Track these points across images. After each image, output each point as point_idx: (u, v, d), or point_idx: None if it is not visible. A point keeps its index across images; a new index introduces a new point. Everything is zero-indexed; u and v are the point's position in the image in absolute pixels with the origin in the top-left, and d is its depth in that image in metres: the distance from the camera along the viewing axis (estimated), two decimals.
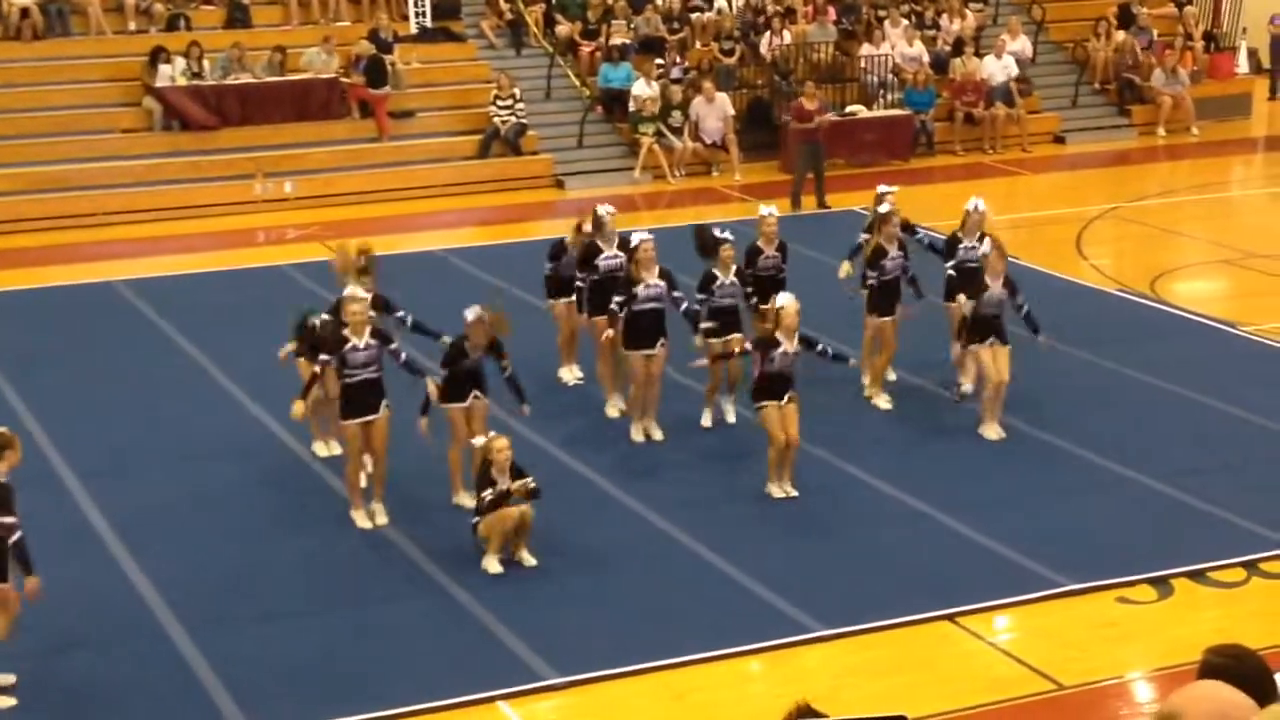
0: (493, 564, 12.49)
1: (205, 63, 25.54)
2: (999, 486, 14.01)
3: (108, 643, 11.56)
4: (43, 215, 23.38)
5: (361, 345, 13.13)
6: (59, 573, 12.55)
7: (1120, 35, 30.30)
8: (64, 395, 15.93)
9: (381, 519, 13.39)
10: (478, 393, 13.60)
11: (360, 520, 13.36)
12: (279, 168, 24.87)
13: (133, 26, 26.90)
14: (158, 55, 25.36)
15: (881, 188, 16.83)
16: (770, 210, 16.19)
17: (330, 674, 11.07)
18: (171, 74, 25.29)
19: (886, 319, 15.68)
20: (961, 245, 16.17)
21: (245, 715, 10.54)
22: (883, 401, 15.80)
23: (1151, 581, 12.33)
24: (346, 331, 13.15)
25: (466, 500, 13.29)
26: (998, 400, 15.02)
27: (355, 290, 13.51)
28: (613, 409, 15.68)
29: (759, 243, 16.01)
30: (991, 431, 15.00)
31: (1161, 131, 29.23)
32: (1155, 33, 30.76)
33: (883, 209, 16.00)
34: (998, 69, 28.53)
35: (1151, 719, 3.80)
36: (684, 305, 14.90)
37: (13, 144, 24.50)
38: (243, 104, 25.61)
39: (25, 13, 25.99)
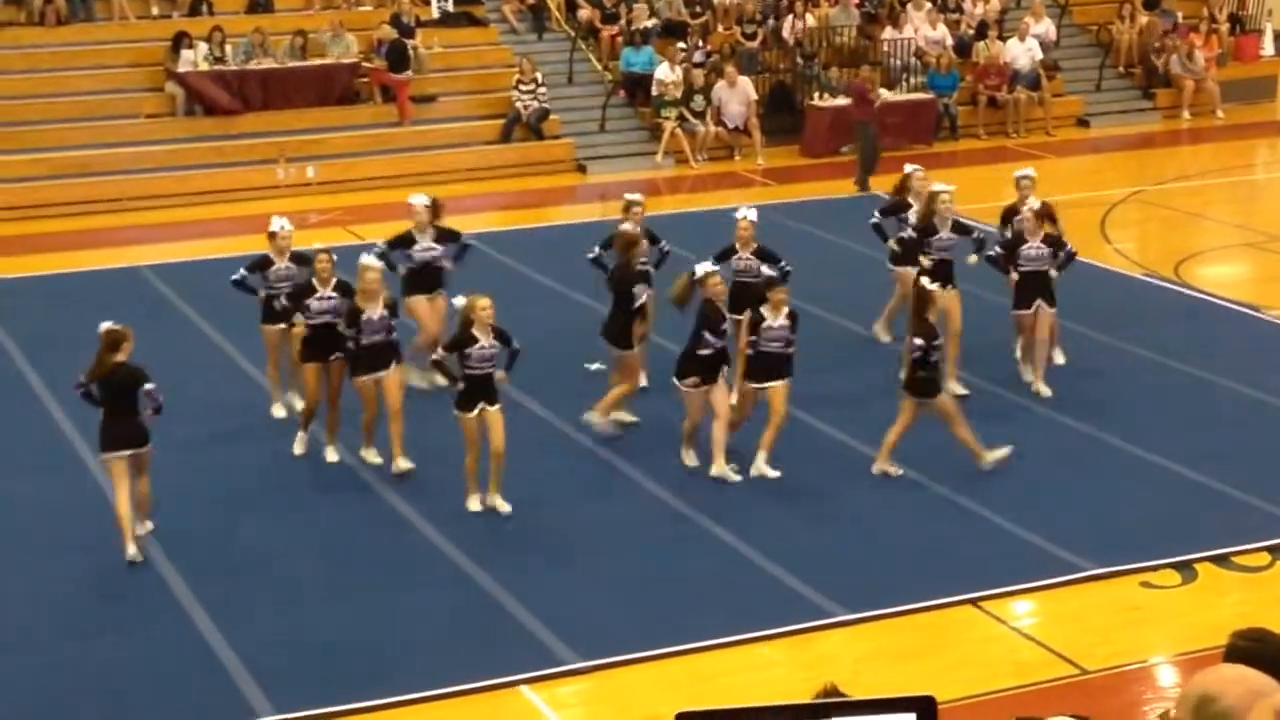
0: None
1: (228, 47, 25.57)
2: (1021, 471, 13.95)
3: (131, 626, 11.60)
4: (66, 200, 23.41)
5: (376, 316, 13.75)
6: (81, 557, 12.63)
7: (1145, 18, 30.17)
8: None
9: (406, 465, 13.93)
10: (484, 404, 13.14)
11: (370, 457, 14.12)
12: (301, 152, 24.89)
13: (155, 11, 26.94)
14: (180, 40, 25.39)
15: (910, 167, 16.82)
16: (745, 213, 15.40)
17: (352, 658, 11.08)
18: (194, 59, 25.32)
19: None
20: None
21: (268, 698, 10.57)
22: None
23: (1175, 566, 12.29)
24: (360, 301, 13.77)
25: (474, 505, 13.26)
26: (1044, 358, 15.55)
27: (370, 259, 14.12)
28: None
29: (735, 245, 15.29)
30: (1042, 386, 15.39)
31: (1186, 115, 29.09)
32: (1180, 15, 30.62)
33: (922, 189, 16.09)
34: (1021, 52, 28.42)
35: (1185, 701, 3.74)
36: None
37: (36, 129, 24.55)
38: (265, 89, 25.62)
39: None
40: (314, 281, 14.23)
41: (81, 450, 14.67)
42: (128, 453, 12.46)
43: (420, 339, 15.45)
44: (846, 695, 4.33)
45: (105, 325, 12.63)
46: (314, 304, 14.12)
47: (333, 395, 14.20)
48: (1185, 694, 3.91)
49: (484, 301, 13.03)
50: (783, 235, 18.15)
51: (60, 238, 22.18)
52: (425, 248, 15.52)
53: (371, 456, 14.24)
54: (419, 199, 15.69)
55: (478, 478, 13.24)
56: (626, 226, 15.31)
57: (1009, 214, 16.49)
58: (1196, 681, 3.93)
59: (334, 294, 14.13)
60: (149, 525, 12.86)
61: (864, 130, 24.21)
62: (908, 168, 17.02)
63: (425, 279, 15.52)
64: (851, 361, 15.49)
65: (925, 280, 13.85)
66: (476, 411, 13.01)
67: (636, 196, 16.04)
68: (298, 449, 14.47)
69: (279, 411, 15.30)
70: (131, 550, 12.35)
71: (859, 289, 17.28)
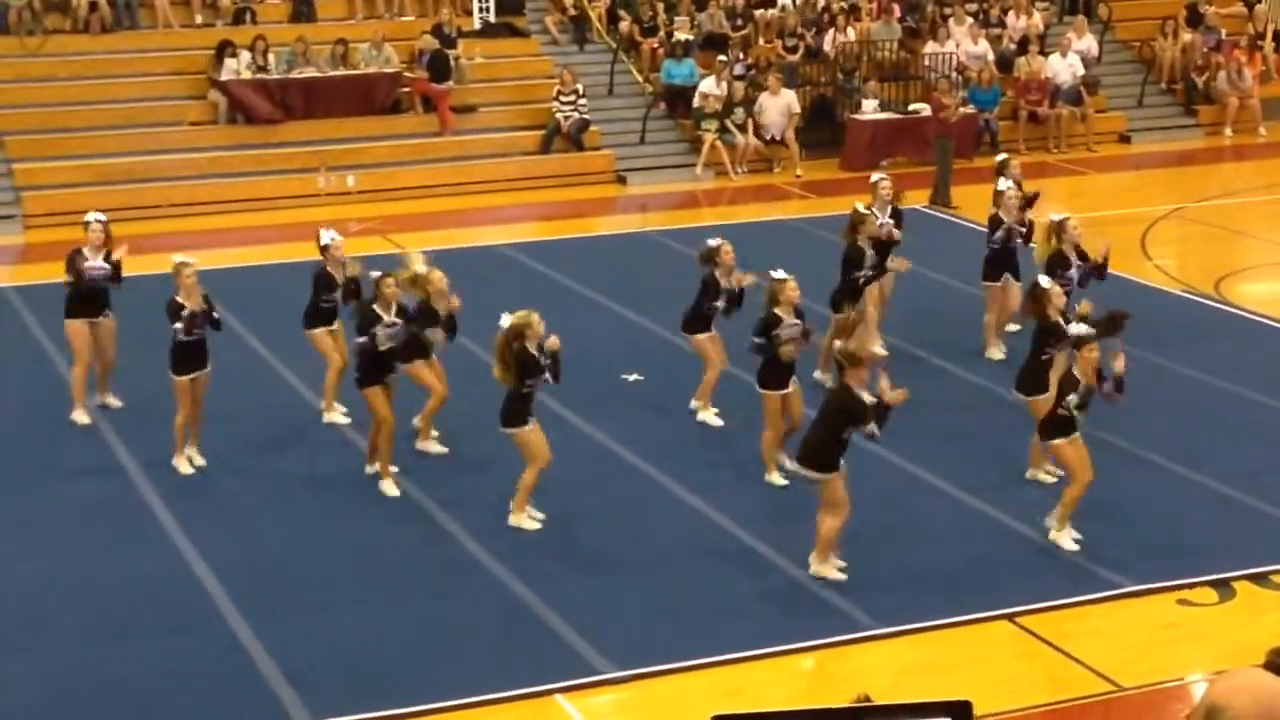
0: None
1: (270, 56, 25.71)
2: (1058, 486, 13.90)
3: (167, 631, 11.64)
4: (108, 207, 23.24)
5: (388, 320, 13.76)
6: (118, 558, 12.72)
7: (1188, 35, 30.08)
8: (126, 385, 16.05)
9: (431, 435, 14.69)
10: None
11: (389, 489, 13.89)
12: (342, 161, 25.02)
13: (199, 20, 27.12)
14: (224, 49, 25.54)
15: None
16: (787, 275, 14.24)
17: (388, 665, 11.11)
18: (237, 67, 25.46)
19: None
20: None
21: (304, 704, 10.60)
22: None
23: (1213, 584, 12.24)
24: (377, 307, 13.75)
25: (527, 523, 13.23)
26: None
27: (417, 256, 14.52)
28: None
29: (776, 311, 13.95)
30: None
31: (1228, 132, 29.00)
32: (1224, 32, 30.51)
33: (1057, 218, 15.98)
34: (1063, 68, 28.37)
35: (1198, 709, 3.78)
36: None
37: (80, 136, 24.74)
38: (306, 98, 25.75)
39: (94, 6, 26.23)
40: (376, 307, 13.79)
41: (120, 454, 14.78)
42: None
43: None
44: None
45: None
46: (380, 331, 13.70)
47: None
48: (1199, 702, 3.95)
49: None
50: (826, 249, 18.13)
51: None
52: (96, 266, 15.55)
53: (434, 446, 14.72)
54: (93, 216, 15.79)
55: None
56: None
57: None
58: (1209, 690, 3.95)
59: (398, 319, 13.84)
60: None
61: (938, 144, 24.24)
62: (874, 176, 17.50)
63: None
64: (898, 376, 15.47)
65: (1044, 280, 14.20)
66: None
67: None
68: (391, 490, 13.97)
69: (334, 417, 15.43)
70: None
71: (905, 303, 17.30)
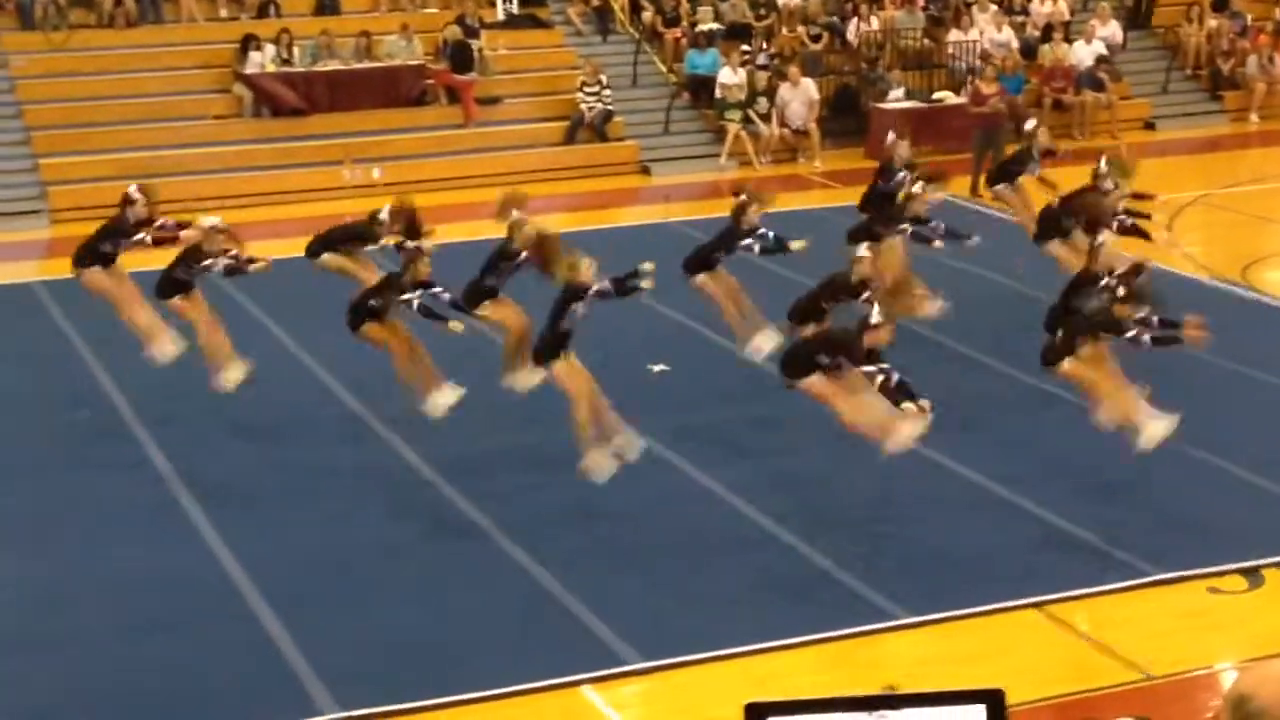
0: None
1: (294, 49, 25.76)
2: (1085, 474, 13.88)
3: (194, 623, 11.67)
4: None
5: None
6: (146, 553, 12.74)
7: (1214, 20, 29.96)
8: (153, 377, 16.09)
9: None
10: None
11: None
12: (367, 154, 25.05)
13: (223, 14, 27.20)
14: (248, 42, 25.59)
15: None
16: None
17: (415, 656, 11.12)
18: (261, 61, 25.51)
19: None
20: None
21: (332, 697, 10.62)
22: None
23: (1242, 571, 12.18)
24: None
25: (599, 461, 13.49)
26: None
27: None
28: None
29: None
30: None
31: (1254, 118, 28.88)
32: (1249, 17, 30.38)
33: None
34: (1087, 55, 28.27)
35: (1226, 700, 3.76)
36: None
37: (106, 130, 24.81)
38: (331, 90, 25.80)
39: (118, 0, 26.29)
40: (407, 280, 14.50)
41: (148, 446, 14.81)
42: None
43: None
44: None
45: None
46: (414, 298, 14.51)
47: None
48: (1227, 693, 3.92)
49: None
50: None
51: None
52: None
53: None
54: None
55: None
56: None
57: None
58: (1237, 680, 3.93)
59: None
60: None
61: (980, 134, 24.25)
62: (889, 137, 18.12)
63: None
64: (915, 364, 15.43)
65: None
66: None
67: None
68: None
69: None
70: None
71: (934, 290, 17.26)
